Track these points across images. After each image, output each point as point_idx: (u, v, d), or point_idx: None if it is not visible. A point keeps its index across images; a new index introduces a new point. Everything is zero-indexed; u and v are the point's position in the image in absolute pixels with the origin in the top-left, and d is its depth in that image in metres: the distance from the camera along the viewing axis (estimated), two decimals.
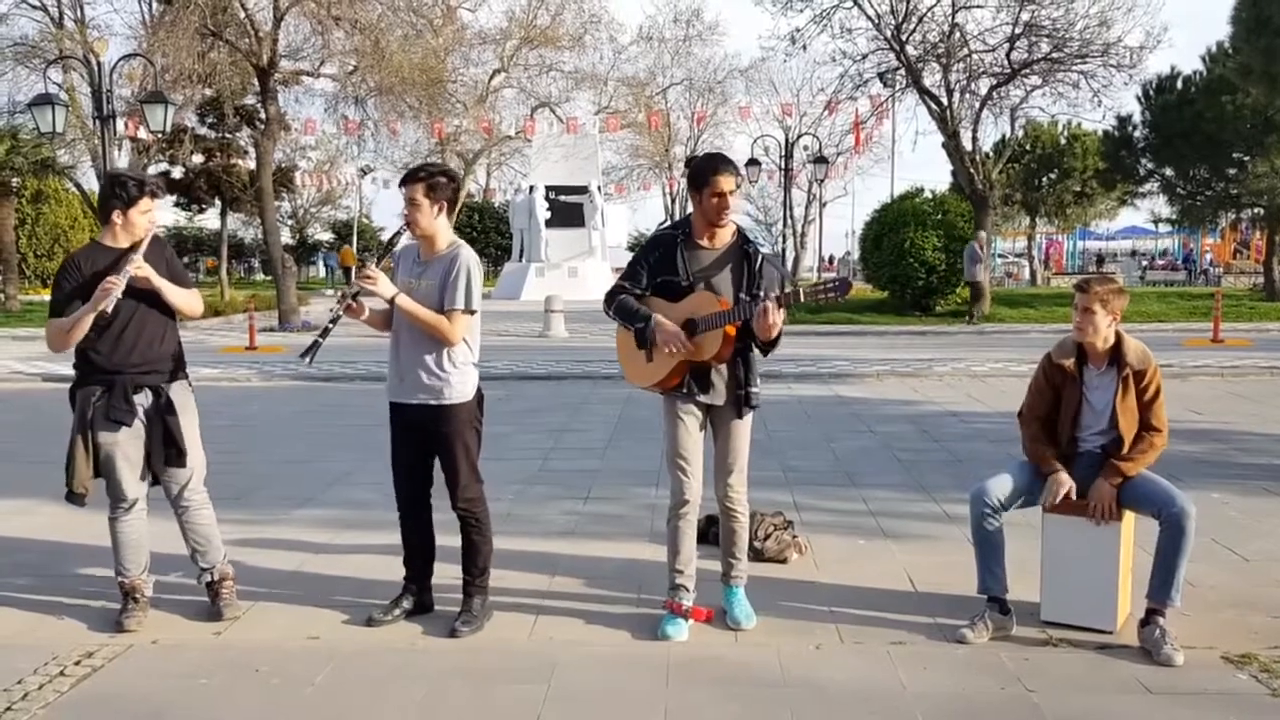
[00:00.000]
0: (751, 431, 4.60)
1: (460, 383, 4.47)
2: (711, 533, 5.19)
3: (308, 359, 4.49)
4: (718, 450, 4.55)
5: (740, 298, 4.28)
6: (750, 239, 4.45)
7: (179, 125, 27.30)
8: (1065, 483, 4.43)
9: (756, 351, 4.43)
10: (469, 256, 4.47)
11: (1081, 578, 4.46)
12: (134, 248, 4.49)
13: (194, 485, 4.68)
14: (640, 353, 4.49)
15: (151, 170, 32.99)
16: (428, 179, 4.42)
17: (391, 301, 4.39)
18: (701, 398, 4.45)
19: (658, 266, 4.47)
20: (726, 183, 4.31)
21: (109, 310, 4.36)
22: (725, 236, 4.44)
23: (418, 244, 4.58)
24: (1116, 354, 4.45)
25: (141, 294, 4.48)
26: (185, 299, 4.62)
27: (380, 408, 4.65)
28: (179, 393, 4.64)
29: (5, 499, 7.06)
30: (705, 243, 4.44)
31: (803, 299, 4.26)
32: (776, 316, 4.16)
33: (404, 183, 4.45)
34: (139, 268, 4.41)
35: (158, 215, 4.72)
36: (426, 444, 4.55)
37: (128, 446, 4.56)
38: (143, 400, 4.54)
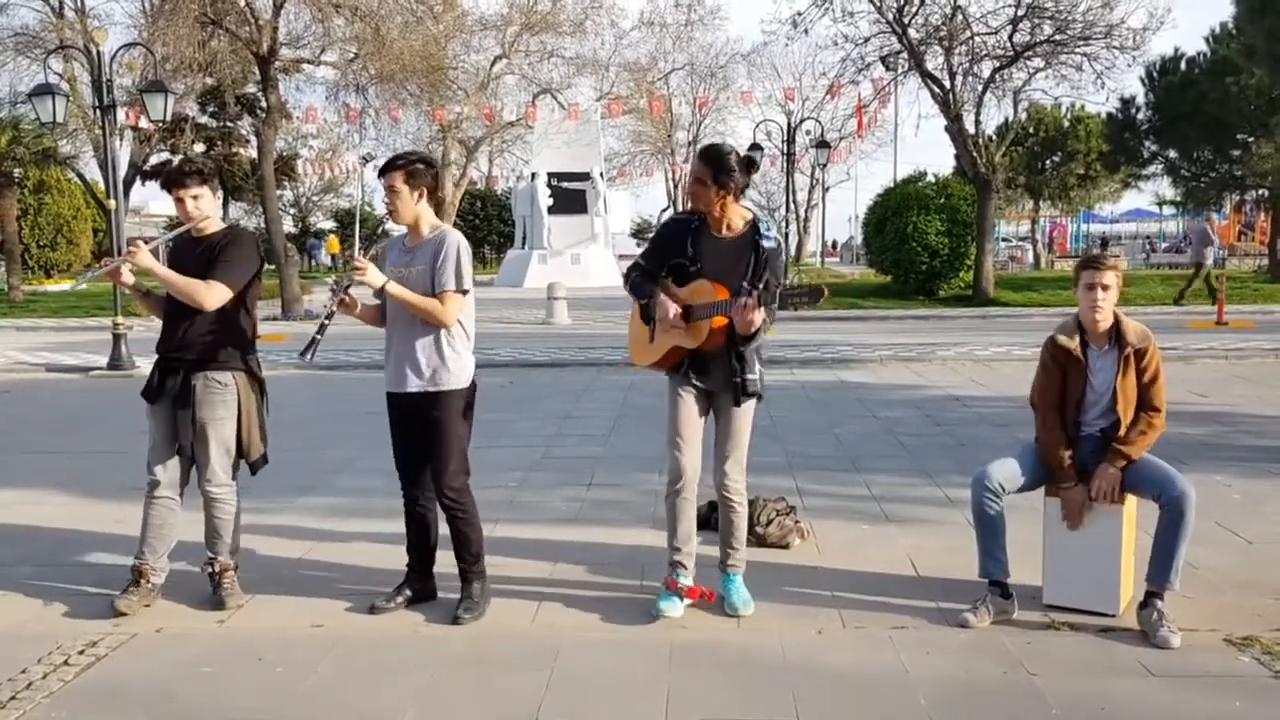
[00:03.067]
0: (753, 421, 4.59)
1: (458, 368, 4.48)
2: (713, 519, 5.19)
3: (308, 356, 4.51)
4: (717, 436, 4.56)
5: (742, 288, 4.27)
6: (762, 232, 4.40)
7: (180, 114, 27.18)
8: (1079, 502, 4.42)
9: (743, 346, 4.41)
10: (456, 238, 4.48)
11: (1084, 561, 4.45)
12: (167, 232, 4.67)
13: (208, 478, 4.66)
14: (645, 333, 4.57)
15: (153, 160, 33.03)
16: (406, 166, 4.44)
17: (382, 290, 4.38)
18: (698, 382, 4.48)
19: (670, 249, 4.52)
20: (697, 172, 4.38)
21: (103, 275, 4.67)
22: (738, 225, 4.44)
23: (404, 233, 4.59)
24: (1116, 334, 4.43)
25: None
26: (181, 286, 4.53)
27: (383, 396, 4.65)
28: (202, 382, 4.59)
29: (10, 489, 7.08)
30: (717, 231, 4.45)
31: (775, 300, 4.22)
32: (755, 314, 4.15)
33: (382, 172, 4.46)
34: (129, 253, 4.53)
35: (159, 205, 4.75)
36: (422, 430, 4.55)
37: (155, 425, 4.69)
38: (173, 384, 4.62)
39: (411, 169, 4.44)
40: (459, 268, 4.41)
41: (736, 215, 4.44)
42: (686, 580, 4.56)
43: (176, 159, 34.28)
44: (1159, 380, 4.45)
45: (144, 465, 4.73)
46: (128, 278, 4.72)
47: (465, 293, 4.46)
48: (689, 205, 4.55)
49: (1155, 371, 4.43)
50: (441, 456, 4.50)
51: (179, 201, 4.64)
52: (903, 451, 8.03)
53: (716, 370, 4.46)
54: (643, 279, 4.57)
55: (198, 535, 4.81)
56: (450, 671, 4.00)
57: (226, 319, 4.63)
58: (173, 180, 4.64)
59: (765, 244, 4.35)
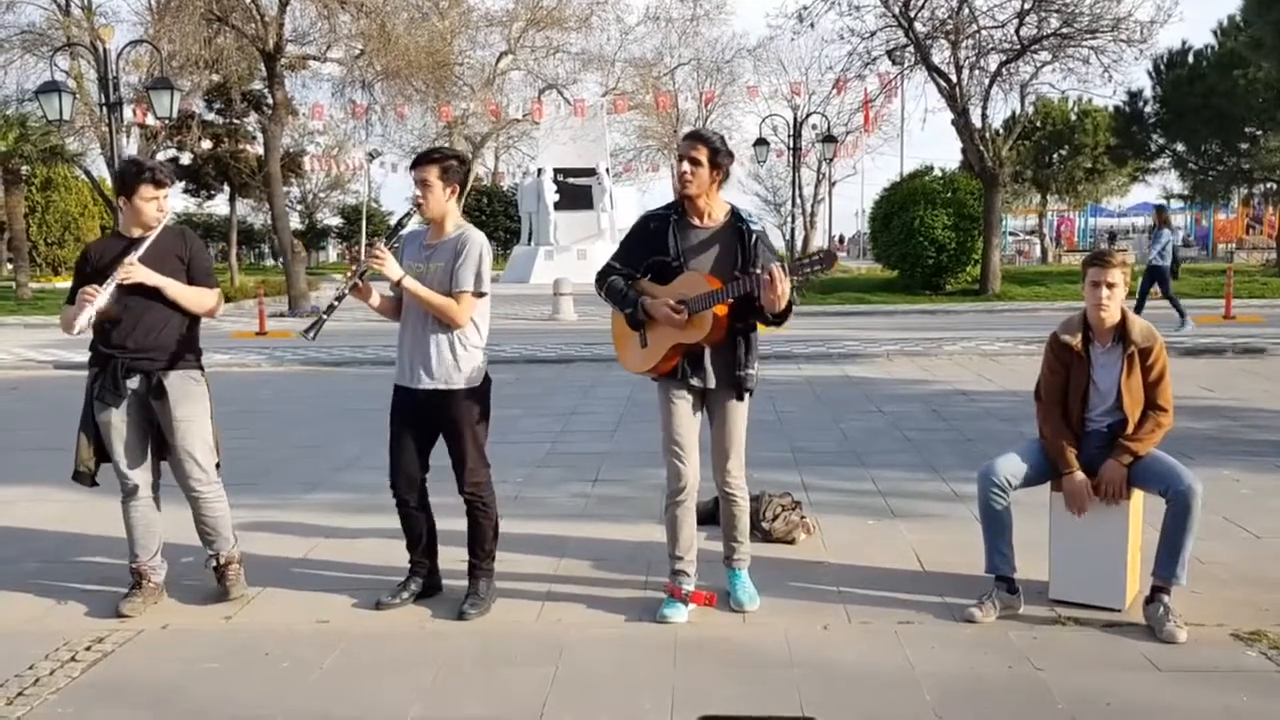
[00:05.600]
0: (750, 414, 4.54)
1: (470, 367, 4.46)
2: (718, 515, 5.18)
3: (311, 334, 4.50)
4: (714, 434, 4.51)
5: (735, 275, 4.23)
6: (744, 217, 4.37)
7: (186, 111, 27.29)
8: (1081, 489, 4.40)
9: (758, 330, 4.38)
10: (478, 239, 4.46)
11: (1090, 556, 4.44)
12: (135, 244, 4.51)
13: (197, 476, 4.63)
14: (634, 339, 4.46)
15: (160, 157, 33.06)
16: (441, 161, 4.41)
17: (398, 284, 4.38)
18: (694, 382, 4.39)
19: (648, 245, 4.42)
20: (686, 151, 4.32)
21: (96, 310, 4.37)
22: (719, 215, 4.38)
23: (425, 228, 4.57)
24: (1121, 331, 4.41)
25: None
26: (192, 298, 4.56)
27: (388, 391, 4.65)
28: (177, 381, 4.57)
29: (17, 485, 7.10)
30: (698, 221, 4.38)
31: (790, 272, 4.21)
32: (784, 284, 4.06)
33: (416, 164, 4.44)
34: (126, 275, 4.41)
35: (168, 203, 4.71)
36: (432, 429, 4.55)
37: (122, 429, 4.59)
38: (135, 385, 4.54)
39: (446, 165, 4.41)
40: (479, 269, 4.40)
41: (717, 205, 4.40)
42: (689, 586, 4.54)
43: (185, 156, 34.34)
44: (1165, 379, 4.42)
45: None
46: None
47: (482, 295, 4.44)
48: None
49: (1161, 370, 4.40)
50: (459, 454, 4.51)
51: (151, 200, 4.54)
52: (909, 447, 8.02)
53: (716, 365, 4.37)
54: (619, 284, 4.44)
55: (193, 534, 4.81)
56: (455, 667, 4.01)
57: (190, 322, 4.65)
58: (156, 182, 4.54)
59: (753, 227, 4.31)
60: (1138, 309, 16.13)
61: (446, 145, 4.80)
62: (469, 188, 37.58)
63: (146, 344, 4.53)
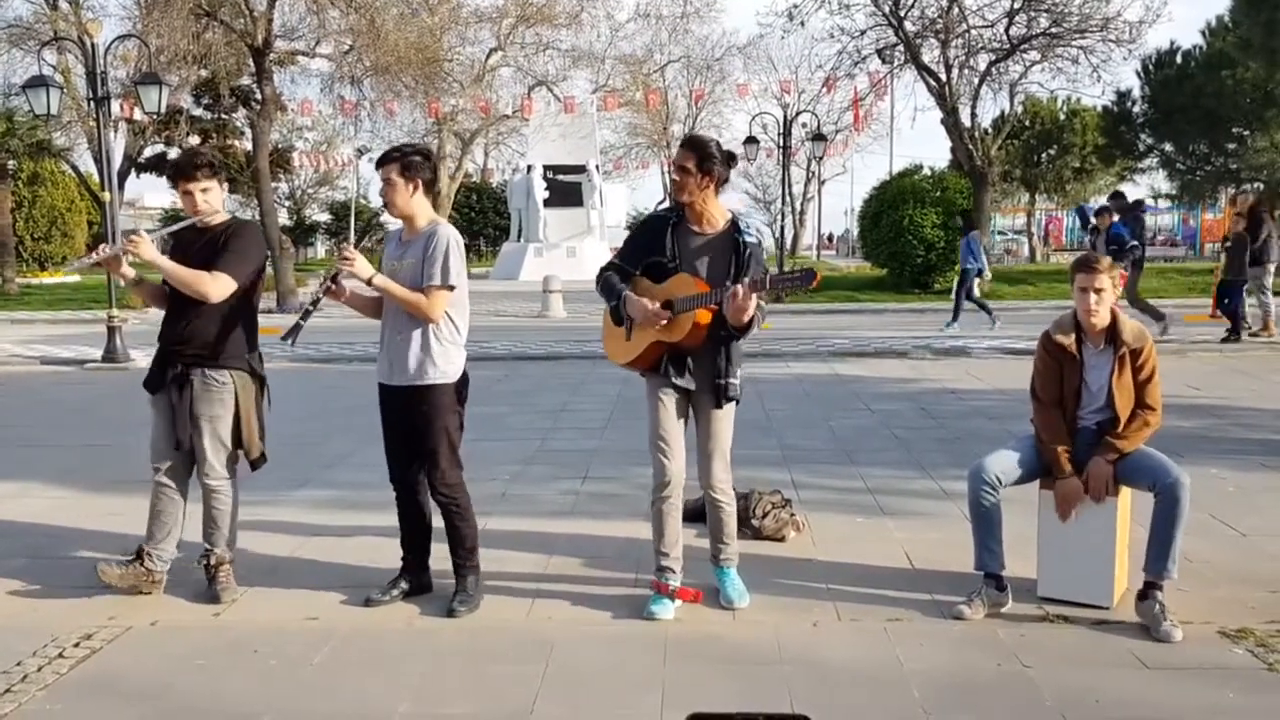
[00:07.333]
0: (736, 417, 4.55)
1: (445, 363, 4.46)
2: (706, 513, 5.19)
3: (290, 340, 4.53)
4: (698, 436, 4.52)
5: (726, 284, 4.24)
6: (743, 228, 4.40)
7: (174, 107, 27.15)
8: (1074, 493, 4.42)
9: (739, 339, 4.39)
10: (447, 232, 4.45)
11: (1078, 554, 4.46)
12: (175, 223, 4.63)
13: (206, 471, 4.66)
14: (620, 331, 4.51)
15: (148, 152, 32.96)
16: (401, 159, 4.41)
17: (370, 282, 4.38)
18: (677, 381, 4.41)
19: (647, 246, 4.48)
20: (680, 159, 4.36)
21: (99, 260, 4.64)
22: (719, 222, 4.42)
23: (401, 227, 4.59)
24: (1113, 332, 4.43)
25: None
26: (182, 277, 4.49)
27: (376, 389, 4.65)
28: (199, 380, 4.59)
29: (4, 481, 7.05)
30: (696, 227, 4.42)
31: (767, 287, 4.19)
32: (747, 301, 4.11)
33: (379, 164, 4.44)
34: (130, 241, 4.47)
35: (154, 197, 4.74)
36: (412, 425, 4.55)
37: (158, 417, 4.70)
38: (172, 377, 4.61)
39: (407, 162, 4.41)
40: (446, 263, 4.38)
41: (717, 211, 4.43)
42: (675, 582, 4.54)
43: (173, 151, 34.33)
44: (1154, 378, 4.45)
45: (139, 458, 4.73)
46: (128, 270, 4.71)
47: (451, 289, 4.42)
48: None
49: (1151, 370, 4.43)
50: (432, 452, 4.50)
51: (187, 194, 4.59)
52: (898, 444, 8.04)
53: (698, 369, 4.40)
54: (613, 279, 4.51)
55: (192, 531, 4.81)
56: (445, 664, 4.01)
57: (230, 315, 4.61)
58: (182, 173, 4.59)
59: (747, 239, 4.35)
60: (954, 315, 16.41)
61: (411, 142, 4.79)
62: (458, 184, 37.49)
63: (176, 336, 4.61)
